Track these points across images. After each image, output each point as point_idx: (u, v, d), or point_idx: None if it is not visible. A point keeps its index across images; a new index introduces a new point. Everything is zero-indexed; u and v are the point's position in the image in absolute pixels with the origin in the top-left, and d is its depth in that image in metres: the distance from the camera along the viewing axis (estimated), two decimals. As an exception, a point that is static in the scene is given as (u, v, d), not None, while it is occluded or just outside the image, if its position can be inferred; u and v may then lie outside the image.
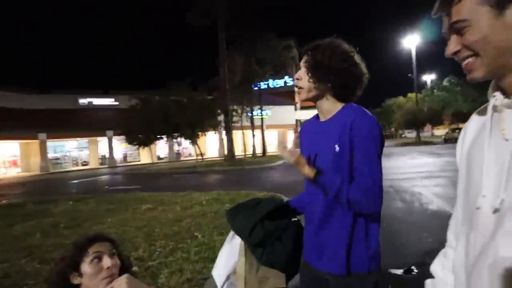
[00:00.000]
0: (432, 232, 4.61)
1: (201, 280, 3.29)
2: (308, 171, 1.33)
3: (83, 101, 35.76)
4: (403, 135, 64.72)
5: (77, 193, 12.16)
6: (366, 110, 1.36)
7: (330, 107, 1.42)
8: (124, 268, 1.36)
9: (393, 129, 66.73)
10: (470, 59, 0.71)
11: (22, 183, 19.53)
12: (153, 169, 24.93)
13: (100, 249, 1.33)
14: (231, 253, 1.71)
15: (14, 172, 30.70)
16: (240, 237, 1.63)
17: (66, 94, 34.63)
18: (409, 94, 50.33)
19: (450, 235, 0.83)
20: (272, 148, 41.54)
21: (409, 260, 3.64)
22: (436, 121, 42.80)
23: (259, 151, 31.53)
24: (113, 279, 1.28)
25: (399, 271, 3.38)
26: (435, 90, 45.22)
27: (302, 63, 1.45)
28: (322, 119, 1.47)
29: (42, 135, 30.35)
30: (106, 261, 1.31)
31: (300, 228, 1.59)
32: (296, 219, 1.63)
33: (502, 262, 0.64)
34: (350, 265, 1.33)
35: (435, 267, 0.90)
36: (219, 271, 1.71)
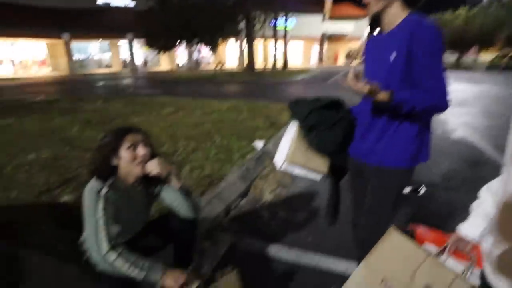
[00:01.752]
0: (450, 157, 4.57)
1: (218, 178, 3.57)
2: (384, 96, 1.37)
3: (100, 0, 34.23)
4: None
5: (104, 94, 12.52)
6: (426, 19, 1.38)
7: (396, 16, 1.44)
8: (152, 157, 1.64)
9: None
10: None
11: (53, 83, 20.21)
12: (173, 76, 25.01)
13: (135, 138, 1.58)
14: (287, 140, 1.92)
15: (44, 72, 31.52)
16: (298, 119, 1.88)
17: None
18: (457, 11, 40.64)
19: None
20: (294, 62, 39.76)
21: (420, 180, 3.68)
22: (486, 43, 34.93)
23: (280, 64, 30.73)
24: (145, 164, 1.59)
25: (407, 189, 3.31)
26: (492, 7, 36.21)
27: None
28: (385, 32, 1.51)
29: (66, 35, 30.11)
30: (140, 149, 1.58)
31: (351, 124, 1.74)
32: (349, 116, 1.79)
33: None
34: (383, 160, 1.56)
35: (482, 190, 1.00)
36: (279, 157, 1.94)
